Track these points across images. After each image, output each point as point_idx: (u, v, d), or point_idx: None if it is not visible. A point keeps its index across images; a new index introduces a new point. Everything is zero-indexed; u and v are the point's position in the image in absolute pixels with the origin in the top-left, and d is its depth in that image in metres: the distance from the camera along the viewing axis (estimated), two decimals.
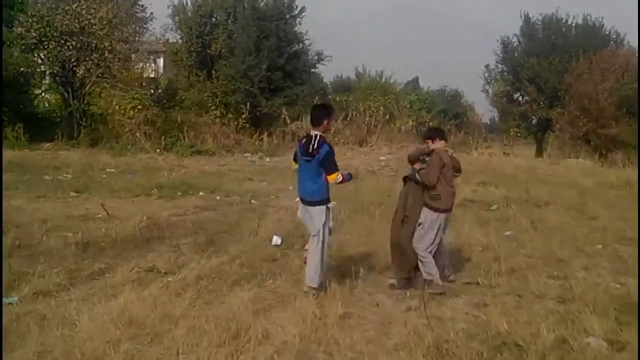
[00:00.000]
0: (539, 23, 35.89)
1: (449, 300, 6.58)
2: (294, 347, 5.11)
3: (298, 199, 6.97)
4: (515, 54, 36.34)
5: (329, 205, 6.73)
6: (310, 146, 6.61)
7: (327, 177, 6.63)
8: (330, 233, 6.92)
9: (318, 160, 6.59)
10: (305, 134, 7.11)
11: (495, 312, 5.93)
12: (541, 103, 34.30)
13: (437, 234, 7.05)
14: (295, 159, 7.09)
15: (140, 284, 6.57)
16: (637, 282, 6.73)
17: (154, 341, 5.14)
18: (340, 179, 6.68)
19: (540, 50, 33.90)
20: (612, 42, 34.21)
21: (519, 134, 34.83)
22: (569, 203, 13.31)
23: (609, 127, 28.98)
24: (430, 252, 7.00)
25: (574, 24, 35.06)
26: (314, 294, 6.40)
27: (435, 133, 7.59)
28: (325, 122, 6.85)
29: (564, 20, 35.21)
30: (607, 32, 34.76)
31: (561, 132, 31.59)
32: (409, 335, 5.34)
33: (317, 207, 6.69)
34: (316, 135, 6.67)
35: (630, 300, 6.57)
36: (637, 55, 30.53)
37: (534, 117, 35.85)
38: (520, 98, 36.93)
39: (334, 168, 6.64)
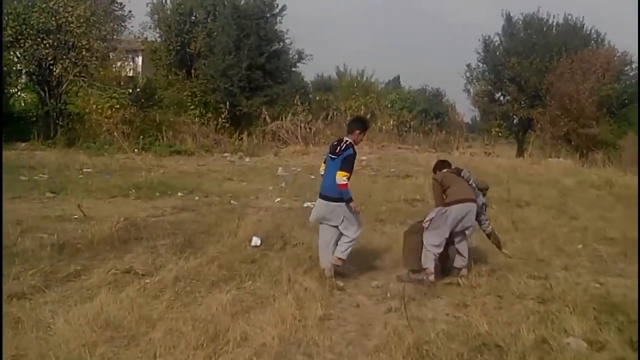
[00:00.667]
0: (520, 22, 36.04)
1: (429, 301, 6.55)
2: (273, 349, 5.05)
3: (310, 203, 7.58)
4: (497, 53, 36.41)
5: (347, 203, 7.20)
6: (339, 147, 7.23)
7: (338, 172, 7.07)
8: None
9: (340, 159, 7.12)
10: (338, 138, 7.67)
11: (476, 312, 5.92)
12: (522, 102, 34.44)
13: (447, 229, 7.36)
14: (325, 162, 7.62)
15: (117, 286, 6.46)
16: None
17: (131, 344, 5.05)
18: (345, 182, 7.09)
19: (522, 49, 34.01)
20: (592, 42, 34.40)
21: (500, 134, 35.00)
22: (549, 202, 13.38)
23: (589, 127, 29.26)
24: (437, 246, 7.32)
25: (554, 24, 35.24)
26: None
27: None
28: (357, 132, 7.42)
29: (544, 20, 35.35)
30: (587, 32, 34.96)
31: (542, 132, 31.80)
32: (389, 337, 5.31)
33: (333, 204, 7.25)
34: (346, 140, 7.28)
35: (610, 300, 6.60)
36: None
37: (515, 116, 35.95)
38: (501, 97, 37.04)
39: (347, 168, 7.12)
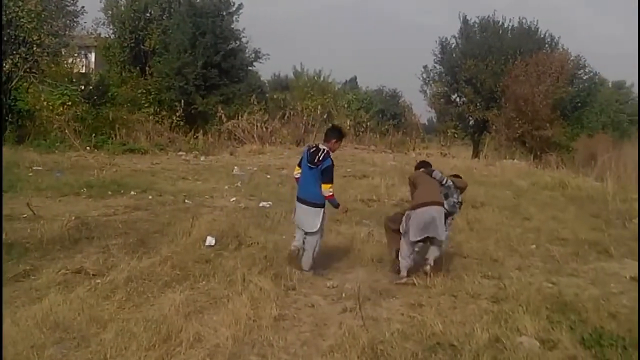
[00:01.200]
0: (477, 25, 36.32)
1: (384, 301, 6.58)
2: (227, 349, 5.02)
3: (295, 204, 7.84)
4: (454, 55, 36.57)
5: (324, 209, 7.70)
6: (317, 157, 7.55)
7: (322, 185, 7.50)
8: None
9: (320, 170, 7.50)
10: (315, 144, 8.02)
11: (431, 312, 5.97)
12: (478, 104, 34.73)
13: (411, 238, 7.47)
14: (299, 165, 7.88)
15: (67, 287, 6.34)
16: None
17: (81, 345, 4.97)
18: (331, 193, 7.60)
19: (478, 52, 34.27)
20: (547, 46, 34.84)
21: (456, 135, 35.23)
22: (504, 203, 13.56)
23: (543, 129, 29.74)
24: (408, 256, 7.54)
25: (510, 27, 35.63)
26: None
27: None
28: (334, 141, 7.84)
29: (500, 23, 35.72)
30: (542, 36, 35.42)
31: (497, 134, 32.18)
32: (343, 337, 5.31)
33: (318, 209, 7.62)
34: (324, 149, 7.63)
35: (562, 300, 6.72)
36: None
37: (471, 118, 36.23)
38: (457, 99, 37.22)
39: (330, 179, 7.58)
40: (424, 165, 8.36)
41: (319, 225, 7.62)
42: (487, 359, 4.88)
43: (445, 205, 7.69)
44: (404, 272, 7.44)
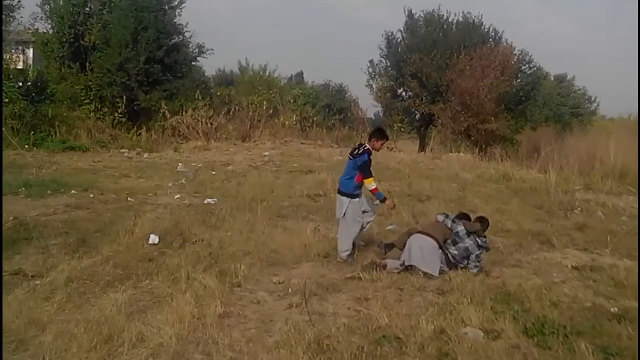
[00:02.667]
0: (422, 20, 36.22)
1: (330, 296, 6.56)
2: (171, 348, 4.96)
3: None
4: (399, 50, 36.35)
5: (353, 200, 8.14)
6: (356, 150, 8.22)
7: (364, 180, 8.07)
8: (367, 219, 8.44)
9: (355, 163, 8.09)
10: (359, 143, 8.79)
11: (377, 306, 5.98)
12: (424, 98, 34.76)
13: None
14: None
15: (5, 289, 6.16)
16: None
17: (19, 348, 4.87)
18: (374, 187, 8.14)
19: (423, 46, 34.14)
20: (491, 40, 35.11)
21: (402, 129, 35.17)
22: (449, 196, 13.71)
23: (488, 123, 30.06)
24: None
25: (454, 21, 35.69)
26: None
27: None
28: (374, 140, 8.28)
29: (445, 17, 35.71)
30: (486, 30, 35.63)
31: (443, 127, 32.32)
32: (289, 332, 5.28)
33: (343, 198, 8.18)
34: (364, 145, 8.23)
35: (506, 290, 6.83)
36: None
37: (417, 112, 36.18)
38: (403, 93, 36.99)
39: (367, 174, 8.06)
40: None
41: (343, 213, 8.10)
42: (432, 351, 4.90)
43: (453, 250, 7.73)
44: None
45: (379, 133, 8.42)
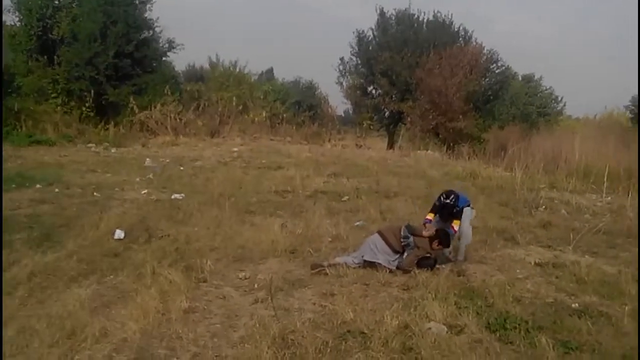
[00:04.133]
0: (393, 18, 36.35)
1: (296, 291, 6.56)
2: (135, 343, 4.93)
3: None
4: (370, 48, 36.57)
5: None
6: None
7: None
8: None
9: None
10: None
11: (342, 301, 5.99)
12: (393, 96, 34.90)
13: None
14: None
15: None
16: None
17: None
18: None
19: (394, 44, 34.39)
20: (460, 39, 35.35)
21: (371, 126, 35.26)
22: (417, 193, 13.76)
23: (456, 121, 30.32)
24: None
25: (425, 20, 35.89)
26: None
27: None
28: None
29: (415, 16, 35.91)
30: (456, 30, 35.92)
31: (412, 125, 32.47)
32: (254, 327, 5.28)
33: None
34: None
35: (470, 286, 6.92)
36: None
37: (386, 109, 36.35)
38: (373, 91, 37.27)
39: None
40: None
41: None
42: (396, 345, 4.92)
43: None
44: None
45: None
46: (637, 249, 9.49)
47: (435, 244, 7.78)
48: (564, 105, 46.06)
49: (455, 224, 8.03)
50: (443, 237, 7.83)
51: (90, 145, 21.55)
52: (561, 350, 5.09)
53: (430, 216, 8.29)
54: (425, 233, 7.85)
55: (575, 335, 5.47)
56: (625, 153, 19.51)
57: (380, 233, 7.81)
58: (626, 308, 6.19)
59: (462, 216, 8.12)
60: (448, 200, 8.13)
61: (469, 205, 8.31)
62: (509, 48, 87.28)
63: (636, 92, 33.43)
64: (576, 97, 79.03)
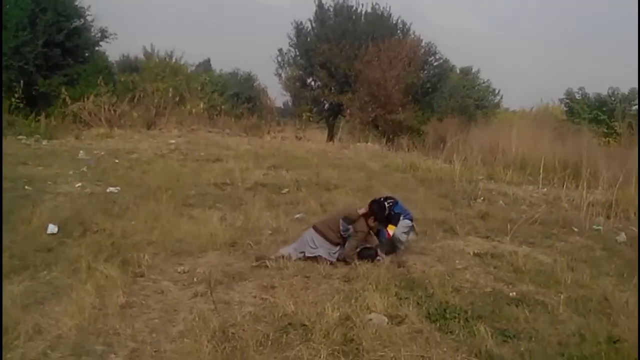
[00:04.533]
0: (331, 10, 36.31)
1: (237, 284, 6.51)
2: (70, 340, 4.82)
3: None
4: (308, 39, 36.52)
5: None
6: None
7: None
8: None
9: None
10: None
11: (283, 293, 5.97)
12: (332, 88, 34.93)
13: None
14: None
15: None
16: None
17: None
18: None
19: (332, 36, 34.40)
20: (399, 32, 35.61)
21: (311, 118, 35.24)
22: (357, 185, 13.84)
23: (395, 113, 30.60)
24: None
25: (363, 12, 35.94)
26: None
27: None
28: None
29: (354, 8, 35.95)
30: (394, 22, 36.15)
31: (351, 117, 32.65)
32: (194, 322, 5.22)
33: None
34: None
35: (410, 277, 6.99)
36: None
37: (325, 102, 36.31)
38: (312, 83, 37.26)
39: None
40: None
41: None
42: (337, 337, 4.92)
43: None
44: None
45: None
46: (572, 238, 9.87)
47: (371, 221, 7.89)
48: (501, 98, 46.93)
49: (390, 229, 8.00)
50: (377, 210, 7.92)
51: (20, 137, 20.84)
52: (499, 338, 5.20)
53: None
54: (360, 211, 7.92)
55: (513, 323, 5.60)
56: (561, 145, 20.09)
57: (315, 228, 7.78)
58: (561, 296, 6.38)
59: (398, 224, 8.07)
60: (385, 203, 8.08)
61: (409, 218, 8.22)
62: (447, 42, 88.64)
63: (570, 86, 34.45)
64: (512, 90, 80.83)
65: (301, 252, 7.66)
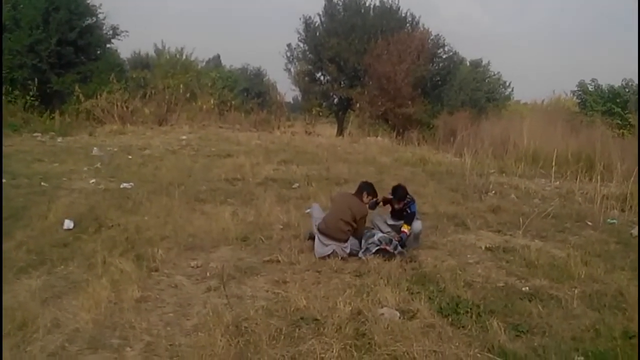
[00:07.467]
0: (340, 4, 36.28)
1: (249, 279, 6.54)
2: (87, 333, 4.88)
3: None
4: (317, 34, 36.49)
5: None
6: None
7: None
8: None
9: None
10: None
11: (295, 288, 6.01)
12: (342, 82, 34.94)
13: None
14: None
15: None
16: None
17: None
18: None
19: (341, 30, 34.43)
20: (408, 25, 35.54)
21: (320, 113, 35.14)
22: (366, 179, 13.86)
23: (405, 107, 30.49)
24: None
25: (372, 6, 35.92)
26: None
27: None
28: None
29: (363, 2, 35.92)
30: (403, 15, 36.08)
31: (361, 111, 32.56)
32: (207, 316, 5.26)
33: None
34: None
35: (422, 272, 6.99)
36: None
37: (335, 96, 36.37)
38: (322, 77, 37.31)
39: None
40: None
41: None
42: (349, 331, 4.94)
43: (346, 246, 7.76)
44: None
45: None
46: (586, 232, 9.83)
47: (365, 197, 8.07)
48: (512, 90, 46.65)
49: (406, 228, 8.03)
50: (365, 186, 8.19)
51: (36, 134, 21.04)
52: (512, 333, 5.18)
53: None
54: (365, 199, 8.08)
55: (526, 318, 5.58)
56: (573, 138, 19.96)
57: (321, 232, 7.72)
58: (575, 291, 6.35)
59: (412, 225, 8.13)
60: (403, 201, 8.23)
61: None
62: (457, 34, 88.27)
63: (583, 78, 34.12)
64: (524, 82, 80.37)
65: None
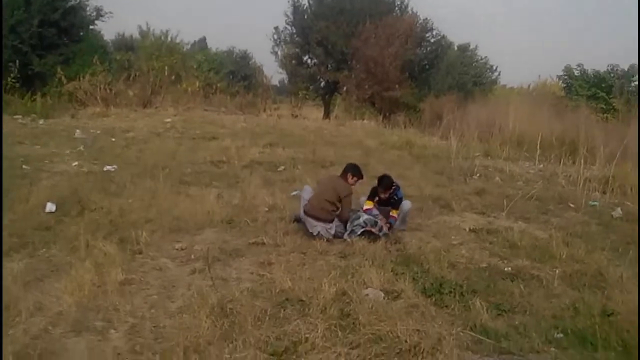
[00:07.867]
0: None
1: (234, 261, 6.54)
2: (70, 316, 4.84)
3: None
4: (305, 17, 36.25)
5: None
6: None
7: None
8: None
9: None
10: None
11: (280, 270, 6.02)
12: (329, 66, 34.82)
13: None
14: None
15: None
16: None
17: None
18: None
19: (329, 13, 34.25)
20: (396, 8, 35.45)
21: (307, 96, 35.17)
22: (353, 162, 13.86)
23: (392, 90, 30.54)
24: None
25: None
26: None
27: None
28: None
29: None
30: None
31: (348, 95, 32.63)
32: (192, 298, 5.26)
33: None
34: None
35: (406, 253, 7.06)
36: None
37: (322, 79, 36.26)
38: (309, 60, 37.20)
39: None
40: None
41: None
42: (334, 312, 4.96)
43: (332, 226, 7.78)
44: None
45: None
46: (568, 214, 9.92)
47: (350, 178, 8.09)
48: (499, 74, 46.63)
49: (394, 213, 8.11)
50: (350, 167, 8.23)
51: (17, 116, 20.81)
52: (494, 312, 5.25)
53: (369, 205, 8.25)
54: (350, 181, 8.10)
55: (508, 297, 5.66)
56: (558, 122, 20.09)
57: (307, 214, 7.78)
58: (556, 271, 6.43)
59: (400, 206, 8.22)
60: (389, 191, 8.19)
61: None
62: (445, 18, 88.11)
63: (569, 63, 34.24)
64: (510, 67, 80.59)
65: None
